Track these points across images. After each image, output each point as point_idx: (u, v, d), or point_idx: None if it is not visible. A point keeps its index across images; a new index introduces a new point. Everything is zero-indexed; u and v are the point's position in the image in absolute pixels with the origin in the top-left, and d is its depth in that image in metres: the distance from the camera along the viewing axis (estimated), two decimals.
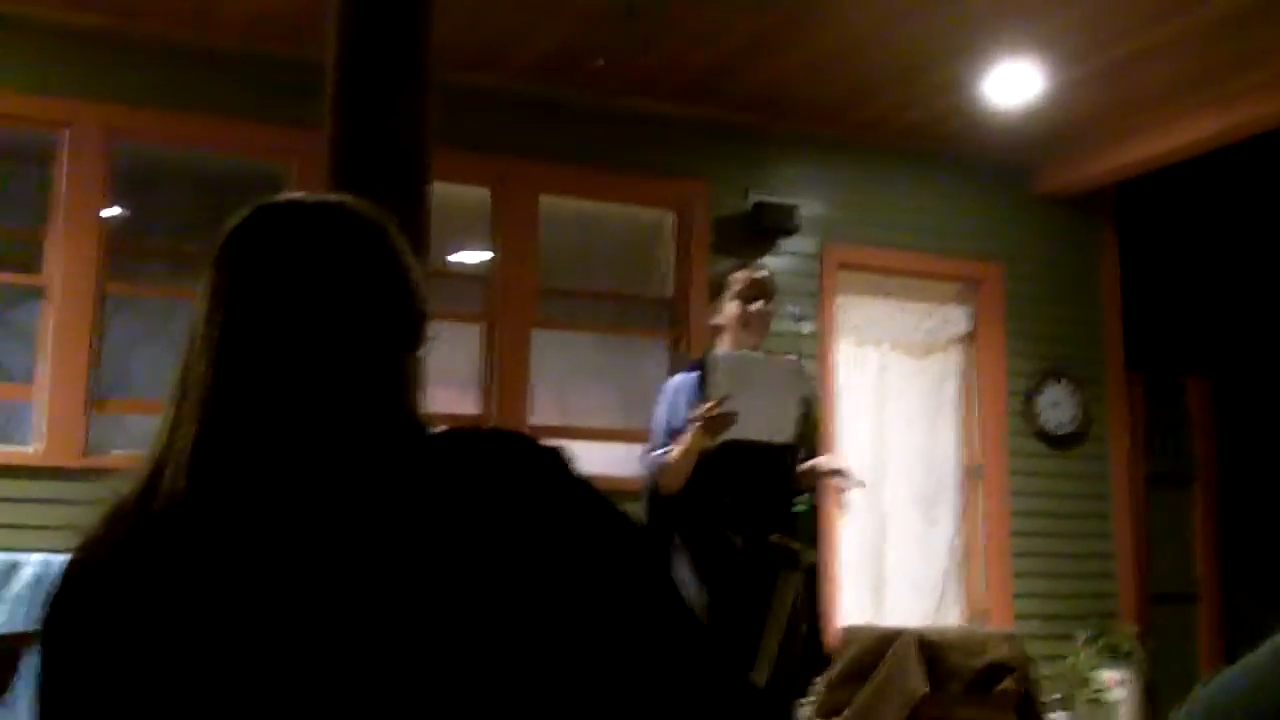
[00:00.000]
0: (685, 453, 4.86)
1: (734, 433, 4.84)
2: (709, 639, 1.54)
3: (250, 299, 1.56)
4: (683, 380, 5.14)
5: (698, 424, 4.80)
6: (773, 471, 4.98)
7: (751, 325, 5.13)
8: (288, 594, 1.44)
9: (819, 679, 5.62)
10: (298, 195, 1.67)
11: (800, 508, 4.78)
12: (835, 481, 4.99)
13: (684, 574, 4.86)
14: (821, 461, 5.09)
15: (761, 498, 4.93)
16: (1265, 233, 10.09)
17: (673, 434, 4.98)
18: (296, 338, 1.55)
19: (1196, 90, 8.15)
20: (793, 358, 5.15)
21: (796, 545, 4.74)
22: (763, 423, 4.89)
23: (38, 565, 6.09)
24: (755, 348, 5.14)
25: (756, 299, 5.13)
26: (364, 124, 4.40)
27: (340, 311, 1.57)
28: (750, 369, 4.95)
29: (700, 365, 5.07)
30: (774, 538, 4.72)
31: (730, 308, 5.15)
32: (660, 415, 5.10)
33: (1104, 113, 8.55)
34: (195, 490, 1.50)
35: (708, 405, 4.80)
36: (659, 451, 5.00)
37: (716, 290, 5.24)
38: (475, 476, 1.51)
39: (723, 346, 5.17)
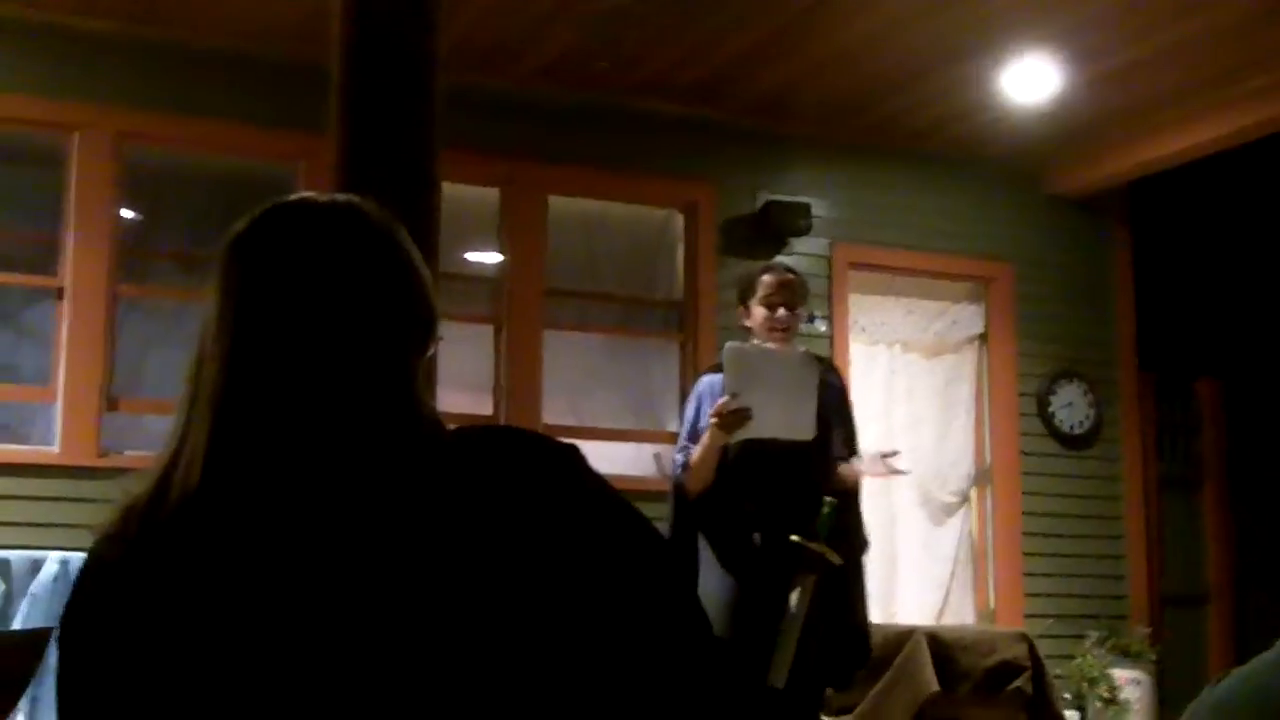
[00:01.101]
0: (705, 452, 4.88)
1: (752, 430, 4.83)
2: (718, 637, 1.55)
3: (259, 299, 1.57)
4: (709, 381, 5.14)
5: (714, 421, 4.81)
6: (796, 472, 4.96)
7: (776, 331, 5.09)
8: (300, 591, 1.45)
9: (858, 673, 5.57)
10: (305, 195, 1.68)
11: (825, 509, 4.74)
12: (886, 461, 5.02)
13: (709, 573, 4.87)
14: (867, 457, 5.12)
15: (785, 499, 4.91)
16: (1278, 234, 10.06)
17: (695, 433, 5.00)
18: (306, 338, 1.55)
19: (1210, 90, 8.13)
20: (802, 349, 5.12)
21: (816, 547, 4.70)
22: (780, 419, 4.87)
23: (58, 563, 6.12)
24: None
25: (781, 305, 5.09)
26: (371, 127, 4.42)
27: (349, 311, 1.57)
28: (758, 363, 4.93)
29: None
30: (793, 539, 4.70)
31: (756, 312, 5.12)
32: (687, 415, 5.13)
33: (1116, 113, 8.54)
34: (207, 489, 1.50)
35: (720, 402, 4.81)
36: (682, 452, 5.01)
37: (745, 292, 5.21)
38: (488, 473, 1.51)
39: None
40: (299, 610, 1.44)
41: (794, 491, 4.90)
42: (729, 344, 5.09)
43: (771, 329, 5.07)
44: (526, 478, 1.51)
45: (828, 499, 4.73)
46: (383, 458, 1.52)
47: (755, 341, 5.13)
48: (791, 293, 5.13)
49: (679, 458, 5.04)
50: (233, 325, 1.56)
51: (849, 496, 5.06)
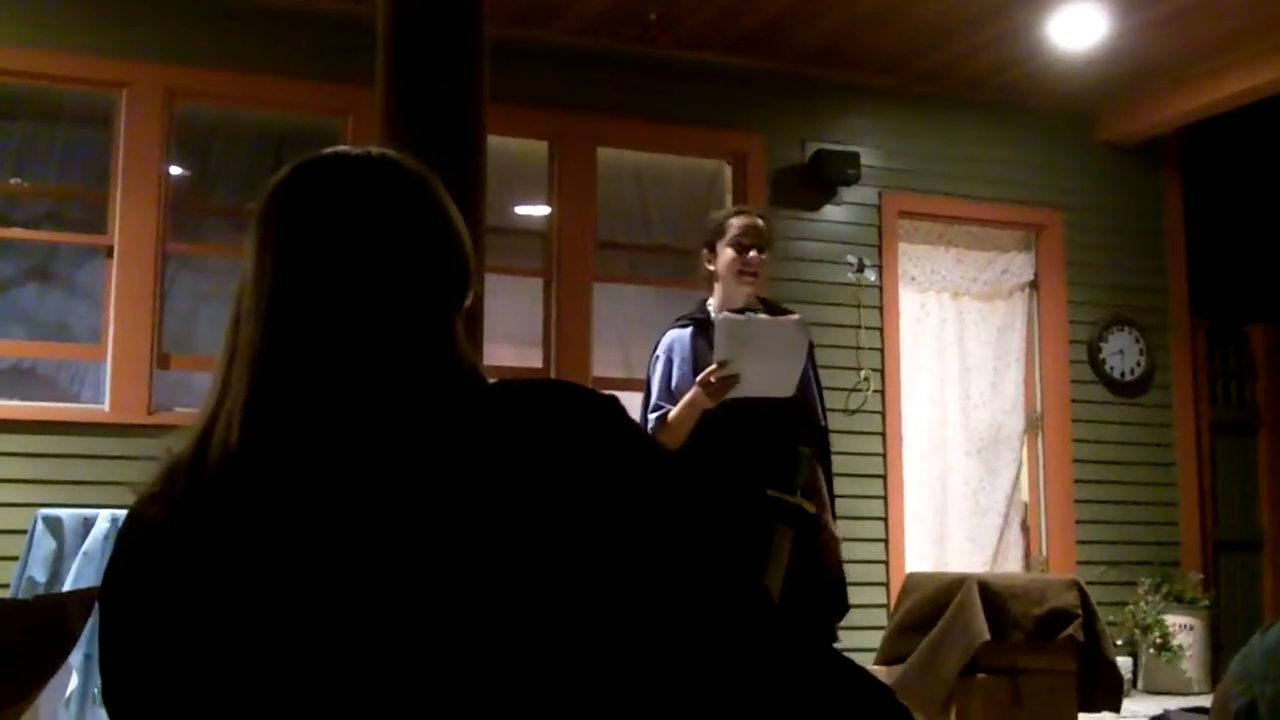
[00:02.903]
0: (686, 412, 4.79)
1: (735, 392, 4.76)
2: (763, 587, 1.54)
3: (296, 255, 1.56)
4: (675, 336, 5.04)
5: (699, 387, 4.74)
6: (771, 425, 4.89)
7: (745, 275, 5.00)
8: (342, 547, 1.45)
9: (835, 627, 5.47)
10: (339, 149, 1.66)
11: (801, 461, 4.66)
12: None
13: None
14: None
15: (759, 452, 4.84)
16: None
17: (668, 392, 4.93)
18: (344, 292, 1.55)
19: (1262, 36, 8.05)
20: (795, 317, 5.01)
21: (794, 500, 4.61)
22: (764, 381, 4.80)
23: (109, 521, 6.17)
24: (749, 297, 5.01)
25: (752, 248, 4.97)
26: (418, 80, 4.41)
27: (385, 264, 1.57)
28: (753, 332, 4.83)
29: (692, 320, 5.00)
30: (770, 492, 4.62)
31: (725, 255, 5.01)
32: (657, 373, 5.02)
33: (1168, 58, 8.46)
34: (248, 446, 1.50)
35: (709, 370, 4.72)
36: (655, 410, 4.97)
37: (713, 235, 5.06)
38: (528, 426, 1.50)
39: (714, 297, 5.06)
40: (341, 566, 1.44)
41: (769, 445, 4.83)
42: (722, 315, 4.94)
43: (741, 272, 4.97)
44: (566, 429, 1.50)
45: (803, 450, 4.64)
46: (422, 412, 1.51)
47: (719, 287, 5.02)
48: (761, 236, 5.01)
49: (653, 417, 4.92)
50: (270, 283, 1.56)
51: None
